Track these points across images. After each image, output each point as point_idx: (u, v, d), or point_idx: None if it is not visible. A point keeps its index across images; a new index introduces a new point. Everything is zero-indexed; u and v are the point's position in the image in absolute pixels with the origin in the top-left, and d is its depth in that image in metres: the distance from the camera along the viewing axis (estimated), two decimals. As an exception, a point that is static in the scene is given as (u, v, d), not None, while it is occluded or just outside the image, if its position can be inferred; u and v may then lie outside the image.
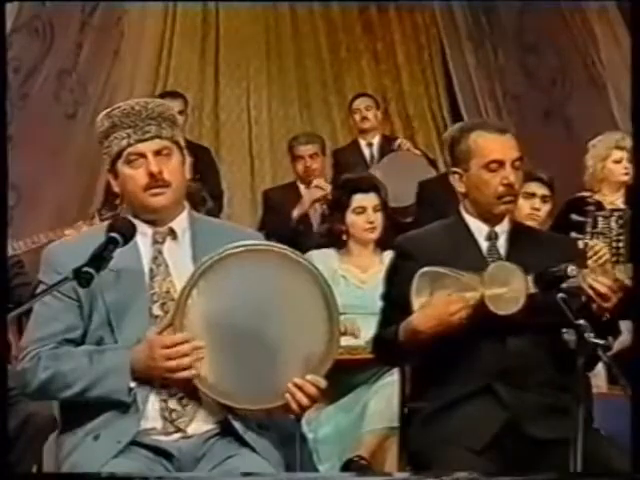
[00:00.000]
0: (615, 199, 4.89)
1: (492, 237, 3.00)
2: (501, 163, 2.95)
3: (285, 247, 2.58)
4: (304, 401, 2.53)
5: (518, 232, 3.04)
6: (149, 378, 2.54)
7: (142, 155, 2.62)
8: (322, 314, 2.54)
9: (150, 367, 2.51)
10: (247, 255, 2.53)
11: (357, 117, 6.51)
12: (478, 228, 3.01)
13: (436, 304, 2.82)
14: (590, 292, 2.77)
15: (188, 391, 2.55)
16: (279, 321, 2.53)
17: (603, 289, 2.77)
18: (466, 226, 3.02)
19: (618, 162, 4.98)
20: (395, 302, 2.98)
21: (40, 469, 3.85)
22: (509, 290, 2.80)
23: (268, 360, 2.53)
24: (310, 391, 2.53)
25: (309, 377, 2.53)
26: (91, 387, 2.53)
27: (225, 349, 2.52)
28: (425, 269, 2.86)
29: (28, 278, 4.00)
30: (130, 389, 2.52)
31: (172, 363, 2.50)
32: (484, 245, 2.99)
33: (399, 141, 6.47)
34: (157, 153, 2.62)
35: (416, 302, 2.86)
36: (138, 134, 2.61)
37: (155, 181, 2.61)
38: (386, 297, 3.09)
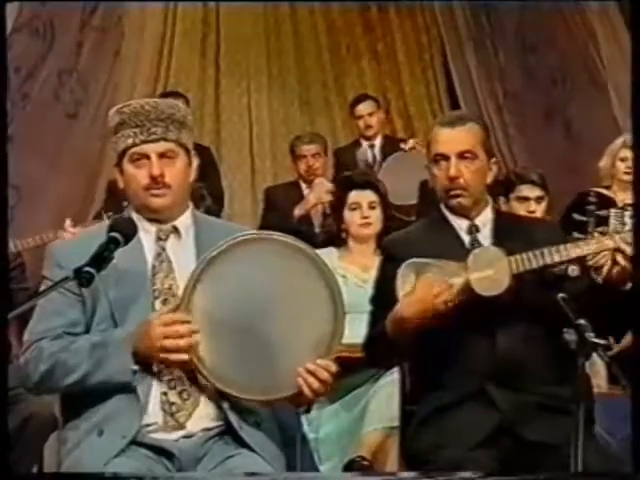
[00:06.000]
0: (627, 197, 4.89)
1: (473, 231, 2.98)
2: (445, 157, 2.94)
3: (286, 235, 2.60)
4: (316, 386, 2.53)
5: (502, 221, 3.03)
6: (148, 359, 2.54)
7: (146, 156, 2.64)
8: (325, 298, 2.55)
9: (148, 347, 2.52)
10: (250, 245, 2.55)
11: (361, 124, 6.50)
12: (458, 223, 3.00)
13: (419, 288, 2.81)
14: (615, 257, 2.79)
15: (189, 384, 2.57)
16: (284, 309, 2.54)
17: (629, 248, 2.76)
18: (448, 222, 3.01)
19: (623, 160, 5.02)
20: (383, 303, 2.97)
21: (41, 469, 3.86)
22: (493, 272, 2.80)
23: (275, 349, 2.54)
24: (323, 376, 2.54)
25: (320, 361, 2.54)
26: (93, 371, 2.53)
27: (230, 339, 2.53)
28: (410, 261, 2.86)
29: (27, 283, 4.01)
30: (134, 372, 2.53)
31: (168, 342, 2.51)
32: (467, 239, 2.98)
33: (411, 142, 6.45)
34: (161, 155, 2.64)
35: (401, 293, 2.86)
36: (144, 135, 2.63)
37: (155, 183, 2.63)
38: (374, 299, 3.09)
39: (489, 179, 3.03)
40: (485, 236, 2.98)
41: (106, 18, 6.82)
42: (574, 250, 2.84)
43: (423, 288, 2.80)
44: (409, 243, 3.03)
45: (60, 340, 2.58)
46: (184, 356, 2.53)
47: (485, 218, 3.00)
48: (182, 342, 2.51)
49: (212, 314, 2.53)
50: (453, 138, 2.95)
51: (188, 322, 2.52)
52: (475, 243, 2.96)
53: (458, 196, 2.96)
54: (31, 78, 6.47)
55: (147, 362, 2.55)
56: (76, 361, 2.54)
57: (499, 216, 3.05)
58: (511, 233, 2.97)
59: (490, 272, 2.81)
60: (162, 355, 2.53)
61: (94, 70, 6.78)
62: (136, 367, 2.53)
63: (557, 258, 2.81)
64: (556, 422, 2.72)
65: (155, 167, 2.62)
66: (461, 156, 2.94)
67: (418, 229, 3.13)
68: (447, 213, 3.01)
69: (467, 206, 2.97)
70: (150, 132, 2.63)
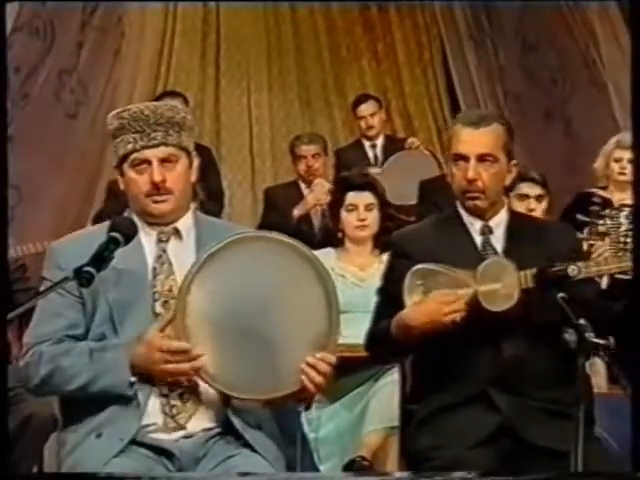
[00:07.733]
0: (624, 197, 4.88)
1: (485, 232, 2.95)
2: (465, 158, 2.90)
3: (279, 233, 2.59)
4: (318, 379, 2.54)
5: (517, 223, 2.99)
6: (149, 376, 2.55)
7: (147, 161, 2.63)
8: (320, 295, 2.55)
9: (148, 368, 2.53)
10: (244, 244, 2.55)
11: (363, 124, 6.50)
12: (471, 223, 2.97)
13: (430, 302, 2.79)
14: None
15: (189, 387, 2.56)
16: (280, 308, 2.54)
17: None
18: (461, 221, 2.98)
19: (617, 161, 5.00)
20: (390, 298, 2.95)
21: (41, 469, 3.86)
22: (502, 286, 2.77)
23: (273, 347, 2.54)
24: (323, 368, 2.54)
25: (319, 355, 2.54)
26: (92, 382, 2.53)
27: (227, 340, 2.52)
28: (418, 266, 2.84)
29: (29, 284, 4.01)
30: (131, 383, 2.53)
31: (170, 367, 2.51)
32: (479, 240, 2.95)
33: (410, 140, 6.47)
34: (162, 160, 2.63)
35: (408, 299, 2.83)
36: (144, 140, 2.61)
37: (157, 189, 2.62)
38: (381, 292, 3.06)
39: (507, 181, 2.99)
40: (498, 237, 2.95)
41: (106, 18, 6.82)
42: (591, 269, 2.81)
43: (433, 303, 2.78)
44: (419, 239, 3.00)
45: (60, 344, 2.58)
46: (187, 378, 2.54)
47: (500, 219, 2.97)
48: (184, 367, 2.51)
49: (209, 315, 2.52)
50: (475, 139, 2.90)
51: (187, 352, 2.50)
52: (487, 245, 2.94)
53: (475, 198, 2.92)
54: (31, 78, 6.47)
55: (147, 376, 2.55)
56: (75, 370, 2.54)
57: (514, 217, 3.02)
58: (524, 235, 2.95)
59: (499, 286, 2.77)
60: (164, 376, 2.53)
61: (94, 70, 6.79)
62: (134, 379, 2.53)
63: (571, 274, 2.78)
64: (557, 425, 2.72)
65: (156, 173, 2.61)
66: (481, 158, 2.89)
67: (429, 225, 3.08)
68: (462, 211, 2.97)
69: (483, 208, 2.94)
70: (150, 137, 2.61)
